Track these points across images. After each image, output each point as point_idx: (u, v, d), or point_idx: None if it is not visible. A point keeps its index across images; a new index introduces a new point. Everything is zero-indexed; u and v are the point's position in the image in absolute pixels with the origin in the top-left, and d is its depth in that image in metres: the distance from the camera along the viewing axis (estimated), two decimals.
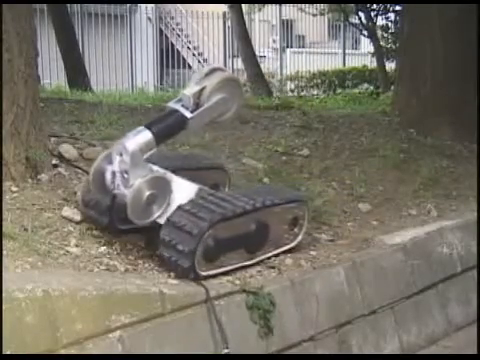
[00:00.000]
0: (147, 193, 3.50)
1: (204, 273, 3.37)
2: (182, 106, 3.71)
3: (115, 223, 3.70)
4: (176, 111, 3.71)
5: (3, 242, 3.24)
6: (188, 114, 3.69)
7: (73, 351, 2.74)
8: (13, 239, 3.30)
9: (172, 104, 3.76)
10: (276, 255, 3.77)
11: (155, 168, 3.69)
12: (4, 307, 2.57)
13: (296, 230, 3.90)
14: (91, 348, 2.77)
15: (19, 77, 4.01)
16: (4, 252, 3.16)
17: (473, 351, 3.96)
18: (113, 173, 3.55)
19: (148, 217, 3.55)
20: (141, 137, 3.58)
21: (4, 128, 3.93)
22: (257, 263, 3.66)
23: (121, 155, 3.53)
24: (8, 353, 2.46)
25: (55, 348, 2.70)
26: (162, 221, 3.50)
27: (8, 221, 3.46)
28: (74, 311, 2.78)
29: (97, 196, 3.67)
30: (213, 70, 3.83)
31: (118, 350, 2.85)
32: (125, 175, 3.51)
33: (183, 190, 3.65)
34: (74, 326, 2.76)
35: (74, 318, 2.77)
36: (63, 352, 2.71)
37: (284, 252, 3.83)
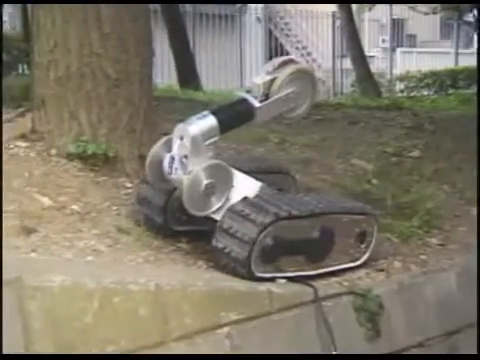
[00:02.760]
0: (205, 182, 3.26)
1: (259, 274, 3.15)
2: (251, 95, 3.53)
3: (170, 224, 3.52)
4: (244, 100, 3.51)
5: (118, 236, 3.37)
6: (256, 103, 3.48)
7: (183, 345, 2.79)
8: (127, 234, 3.42)
9: (241, 93, 3.63)
10: (338, 271, 3.45)
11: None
12: (119, 299, 2.65)
13: (363, 247, 3.55)
14: (200, 343, 2.82)
15: (135, 77, 4.15)
16: (119, 246, 3.29)
17: None
18: (171, 158, 3.34)
19: (205, 209, 3.30)
20: (205, 122, 3.35)
21: (120, 126, 4.08)
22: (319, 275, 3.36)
23: (182, 139, 3.32)
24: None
25: (165, 340, 2.75)
26: (218, 217, 3.27)
27: (123, 216, 3.59)
28: (184, 305, 2.82)
29: (152, 194, 3.53)
30: (286, 61, 3.65)
31: (226, 346, 2.89)
32: (184, 160, 3.30)
33: (245, 186, 3.41)
34: (184, 320, 2.81)
35: (184, 312, 2.82)
36: (173, 345, 2.76)
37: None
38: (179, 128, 3.36)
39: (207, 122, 3.36)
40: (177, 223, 3.54)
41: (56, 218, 3.43)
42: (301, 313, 3.13)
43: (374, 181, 4.89)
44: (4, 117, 4.48)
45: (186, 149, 3.30)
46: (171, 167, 3.34)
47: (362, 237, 3.55)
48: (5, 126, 4.31)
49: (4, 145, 4.06)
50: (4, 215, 3.28)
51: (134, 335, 2.68)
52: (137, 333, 2.68)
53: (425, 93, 16.91)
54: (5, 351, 2.39)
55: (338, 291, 3.31)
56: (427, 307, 3.58)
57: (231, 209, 3.23)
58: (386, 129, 6.32)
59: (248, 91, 3.58)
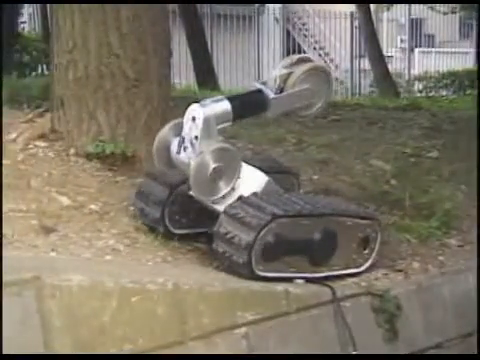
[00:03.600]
0: (213, 165, 3.21)
1: (261, 273, 3.11)
2: (266, 87, 3.53)
3: (169, 227, 3.46)
4: (259, 90, 3.51)
5: (137, 236, 3.39)
6: (271, 94, 3.48)
7: (200, 344, 2.80)
8: (146, 233, 3.44)
9: (256, 84, 3.62)
10: (341, 276, 3.37)
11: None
12: (137, 298, 2.67)
13: (366, 252, 3.47)
14: (218, 342, 2.83)
15: (153, 77, 4.17)
16: (137, 245, 3.31)
17: None
18: (182, 137, 3.30)
19: (212, 193, 3.26)
20: (219, 106, 3.33)
21: (138, 126, 4.10)
22: (319, 278, 3.27)
23: (194, 120, 3.27)
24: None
25: (183, 340, 2.77)
26: (221, 208, 3.23)
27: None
28: (202, 305, 2.84)
29: (151, 205, 3.47)
30: (303, 59, 3.66)
31: (243, 346, 2.89)
32: (194, 141, 3.25)
33: (251, 179, 3.36)
34: (202, 320, 2.82)
35: (202, 312, 2.83)
36: (191, 344, 2.77)
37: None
38: (192, 108, 3.32)
39: (221, 106, 3.36)
40: (177, 226, 3.49)
41: (75, 217, 3.45)
42: (319, 313, 3.13)
43: (392, 182, 4.86)
44: (23, 117, 4.52)
45: (197, 130, 3.25)
46: (180, 146, 3.30)
47: (365, 242, 3.47)
48: (24, 126, 4.35)
49: (23, 145, 4.09)
50: (23, 214, 3.31)
51: (152, 334, 2.69)
52: (155, 332, 2.69)
53: (443, 93, 16.81)
54: (24, 350, 2.41)
55: (356, 292, 3.30)
56: (445, 308, 3.56)
57: (216, 232, 3.15)
58: (404, 129, 6.29)
59: (264, 83, 3.58)
